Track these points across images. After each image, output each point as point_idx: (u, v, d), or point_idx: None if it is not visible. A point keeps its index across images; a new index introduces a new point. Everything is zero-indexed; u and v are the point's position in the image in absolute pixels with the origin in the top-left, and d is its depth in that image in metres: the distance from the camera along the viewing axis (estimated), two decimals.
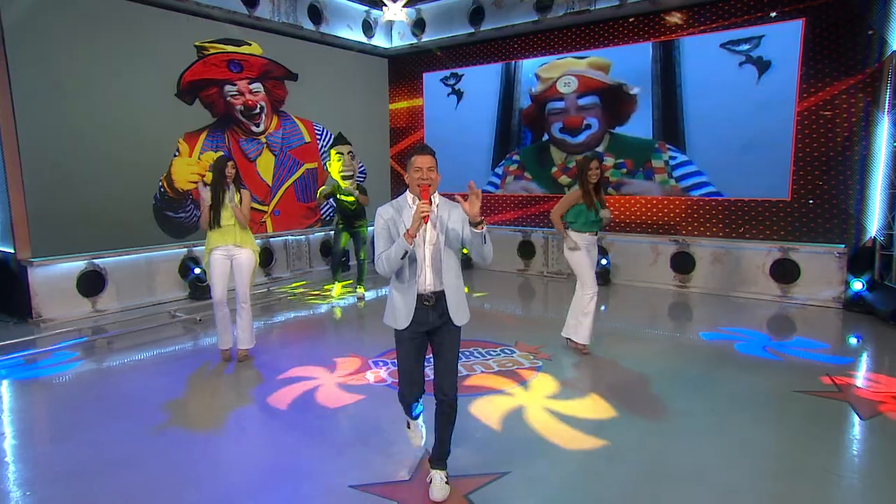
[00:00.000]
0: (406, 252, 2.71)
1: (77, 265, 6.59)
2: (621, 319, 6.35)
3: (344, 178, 7.13)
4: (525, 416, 3.90)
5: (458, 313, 2.89)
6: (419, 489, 3.02)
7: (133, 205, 7.09)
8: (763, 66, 7.11)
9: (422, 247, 2.83)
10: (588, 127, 8.44)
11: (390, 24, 9.93)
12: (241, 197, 4.90)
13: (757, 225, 7.33)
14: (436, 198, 2.86)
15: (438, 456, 3.00)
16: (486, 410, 3.98)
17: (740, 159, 7.33)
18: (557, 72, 8.64)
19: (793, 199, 7.07)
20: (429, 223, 2.78)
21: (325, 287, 8.06)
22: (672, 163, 7.82)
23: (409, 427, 3.30)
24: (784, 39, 6.94)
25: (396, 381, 4.10)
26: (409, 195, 2.89)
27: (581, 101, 8.46)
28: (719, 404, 4.06)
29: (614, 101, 8.20)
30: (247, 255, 4.92)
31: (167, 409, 4.08)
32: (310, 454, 3.42)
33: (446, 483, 2.96)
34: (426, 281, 2.83)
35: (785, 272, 7.05)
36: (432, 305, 2.84)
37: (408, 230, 2.70)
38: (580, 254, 4.96)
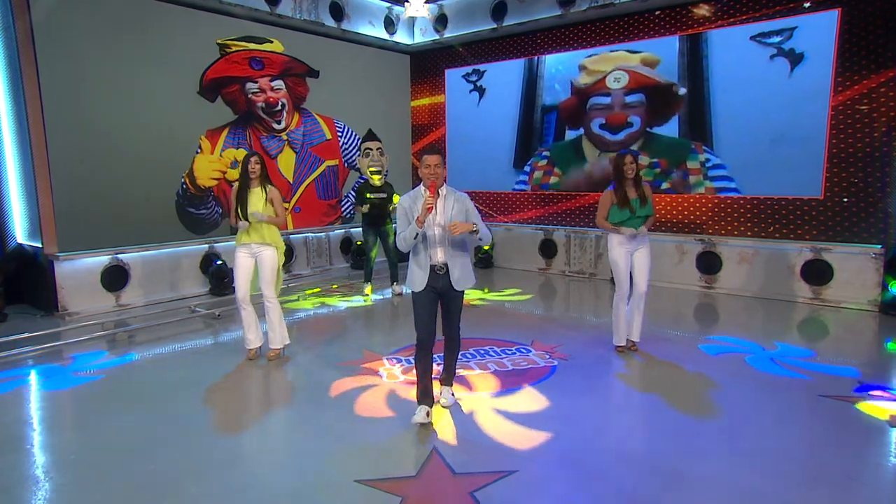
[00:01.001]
0: (417, 233, 3.54)
1: (101, 260, 6.81)
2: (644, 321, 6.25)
3: (372, 173, 7.22)
4: (535, 414, 3.89)
5: (461, 282, 3.69)
6: (425, 485, 3.04)
7: (156, 201, 7.29)
8: (795, 58, 6.93)
9: (432, 228, 3.62)
10: (630, 125, 8.27)
11: (412, 20, 9.98)
12: (268, 195, 4.87)
13: (788, 224, 7.15)
14: (443, 189, 3.66)
15: (446, 377, 4.01)
16: (495, 408, 3.98)
17: (771, 156, 7.16)
18: (609, 65, 8.32)
19: (826, 197, 6.87)
20: (436, 211, 3.60)
21: (337, 284, 8.14)
22: (708, 164, 7.67)
23: (416, 413, 3.72)
24: (818, 31, 6.75)
25: (407, 378, 4.21)
26: (422, 186, 3.63)
27: (628, 99, 8.21)
28: (740, 406, 3.99)
29: (660, 101, 7.95)
30: (269, 253, 4.88)
31: (182, 402, 4.20)
32: (317, 448, 3.47)
33: (452, 395, 4.01)
34: (437, 255, 3.65)
35: (817, 273, 6.86)
36: (443, 274, 3.66)
37: (418, 217, 3.50)
38: (614, 253, 4.99)
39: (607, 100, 8.41)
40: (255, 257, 4.92)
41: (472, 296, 7.47)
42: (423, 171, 3.58)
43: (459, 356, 4.89)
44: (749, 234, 7.42)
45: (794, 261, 7.01)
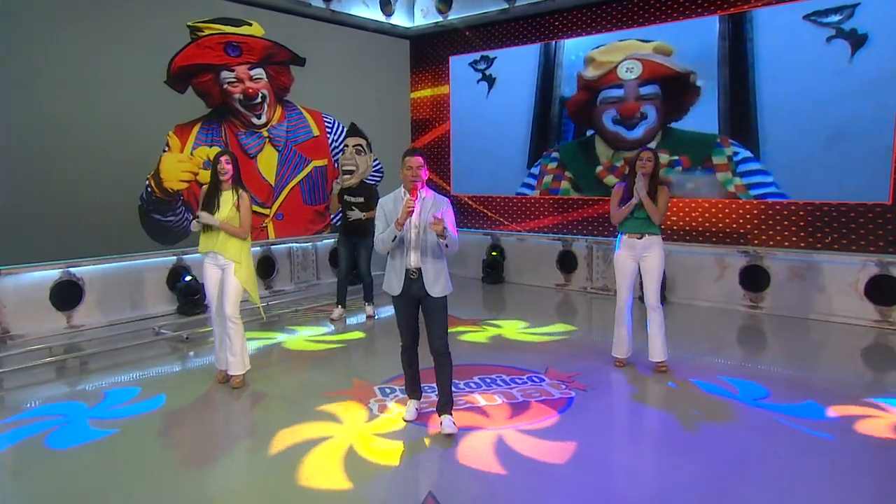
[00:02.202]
0: (396, 236, 3.86)
1: (51, 274, 6.75)
2: (678, 346, 6.16)
3: (344, 172, 7.21)
4: (546, 454, 3.81)
5: (435, 286, 3.97)
6: None
7: (116, 206, 7.22)
8: (857, 40, 6.85)
9: (409, 232, 3.93)
10: (644, 118, 8.30)
11: None
12: (237, 198, 4.85)
13: (848, 234, 7.05)
14: (423, 192, 3.97)
15: (443, 405, 4.13)
16: (501, 447, 3.89)
17: (827, 154, 7.05)
18: (620, 55, 8.41)
19: (894, 202, 6.78)
20: (414, 214, 3.88)
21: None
22: (736, 158, 7.64)
23: (406, 405, 4.39)
24: (885, 8, 6.61)
25: (401, 412, 4.47)
26: (402, 189, 4.01)
27: (642, 90, 8.27)
28: (785, 448, 3.88)
29: (676, 92, 7.99)
30: (232, 270, 4.89)
31: (141, 438, 4.14)
32: (296, 492, 3.42)
33: (453, 423, 4.04)
34: (411, 259, 3.97)
35: (884, 292, 6.73)
36: (416, 278, 3.97)
37: (397, 220, 3.82)
38: (616, 258, 5.26)
39: (620, 92, 8.46)
40: (221, 269, 4.93)
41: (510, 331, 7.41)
42: (404, 173, 3.93)
43: (462, 385, 4.89)
44: (802, 245, 7.31)
45: (856, 276, 6.91)
